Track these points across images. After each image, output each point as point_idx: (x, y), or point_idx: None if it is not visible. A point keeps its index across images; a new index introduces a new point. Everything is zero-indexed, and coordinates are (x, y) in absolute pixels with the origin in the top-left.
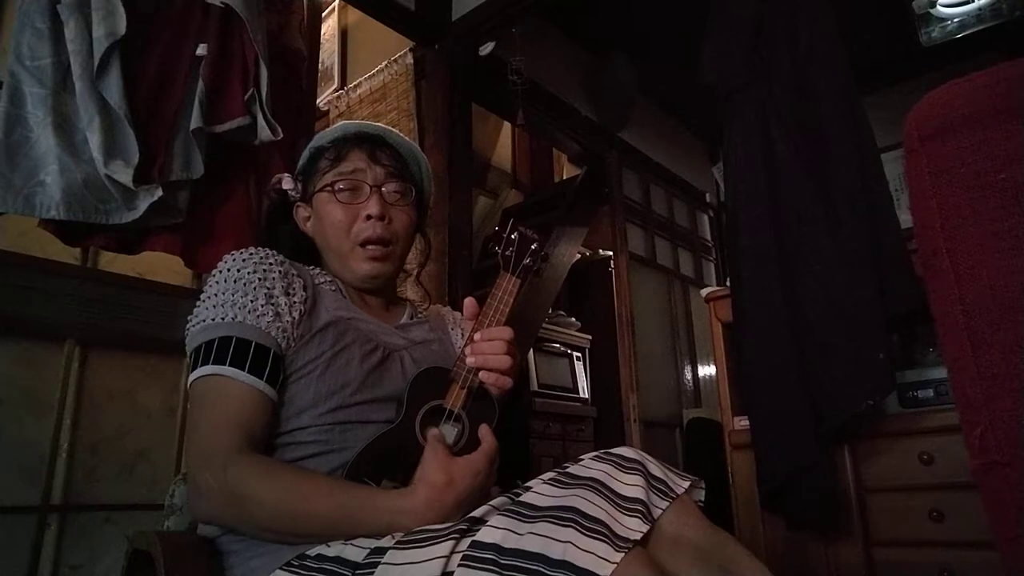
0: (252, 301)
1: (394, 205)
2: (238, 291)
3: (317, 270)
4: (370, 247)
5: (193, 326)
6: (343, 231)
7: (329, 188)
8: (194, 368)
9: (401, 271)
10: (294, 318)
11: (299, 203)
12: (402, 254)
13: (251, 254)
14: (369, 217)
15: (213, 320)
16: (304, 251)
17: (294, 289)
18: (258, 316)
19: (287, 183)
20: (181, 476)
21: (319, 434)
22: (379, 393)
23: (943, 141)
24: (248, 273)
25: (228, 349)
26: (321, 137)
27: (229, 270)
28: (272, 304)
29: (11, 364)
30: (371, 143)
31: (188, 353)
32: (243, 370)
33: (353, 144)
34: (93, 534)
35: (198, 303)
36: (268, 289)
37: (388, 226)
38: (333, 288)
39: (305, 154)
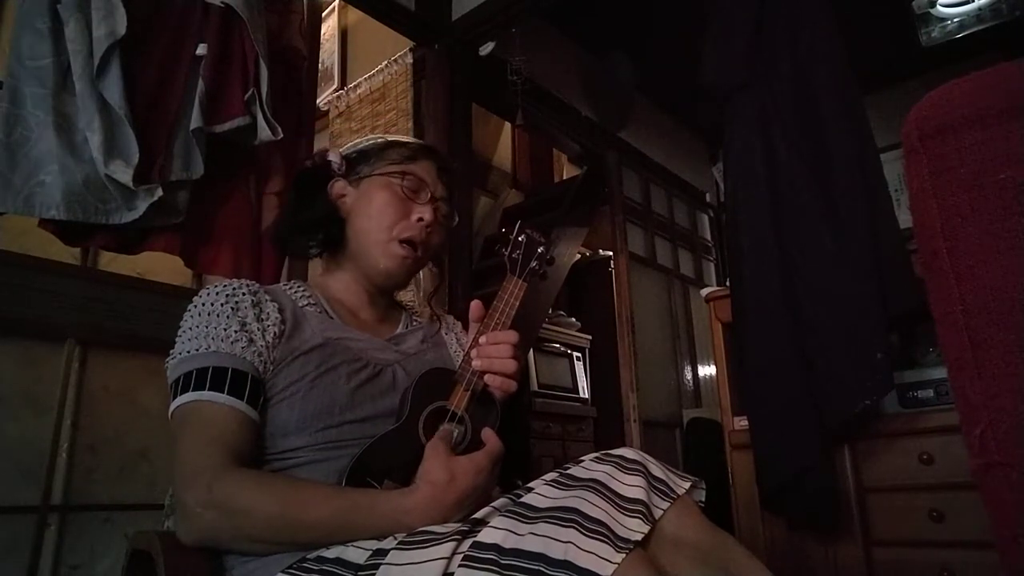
0: (225, 330)
1: (438, 221)
2: (211, 323)
3: (300, 291)
4: (406, 246)
5: (171, 359)
6: (391, 220)
7: (398, 176)
8: (174, 399)
9: (407, 285)
10: (268, 341)
11: (340, 177)
12: (421, 267)
13: (223, 287)
14: (420, 219)
15: (189, 352)
16: (322, 223)
17: (266, 314)
18: (232, 343)
19: (333, 156)
20: None
21: (311, 453)
22: (370, 411)
23: (943, 141)
24: (220, 305)
25: (206, 377)
26: (394, 137)
27: (203, 304)
28: (246, 331)
29: (11, 364)
30: (440, 160)
31: (168, 387)
32: (222, 392)
33: (427, 154)
34: (93, 534)
35: (176, 338)
36: (241, 318)
37: (428, 236)
38: (319, 310)
39: (374, 139)
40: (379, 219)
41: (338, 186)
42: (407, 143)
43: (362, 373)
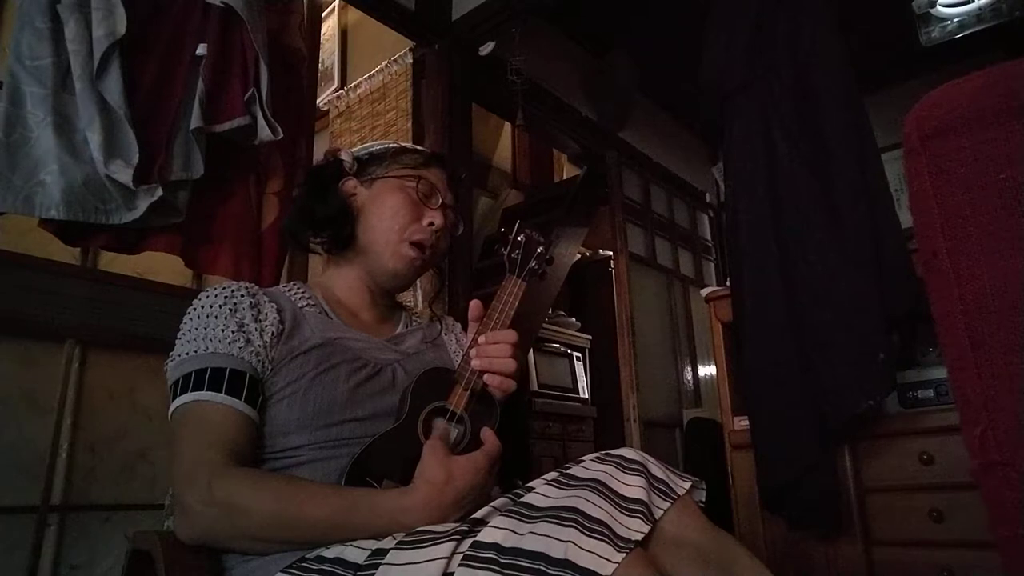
0: (223, 331)
1: (446, 228)
2: (209, 324)
3: (299, 292)
4: (415, 248)
5: (170, 362)
6: (403, 223)
7: (412, 179)
8: (173, 400)
9: (409, 287)
10: (266, 341)
11: (351, 176)
12: (426, 270)
13: (221, 290)
14: (431, 224)
15: (188, 355)
16: (332, 219)
17: (264, 315)
18: (230, 343)
19: (345, 155)
20: None
21: (311, 452)
22: (370, 409)
23: (943, 141)
24: (218, 307)
25: (204, 378)
26: (407, 144)
27: (201, 306)
28: (243, 332)
29: (11, 364)
30: (450, 170)
31: (168, 388)
32: (220, 392)
33: (438, 163)
34: (93, 534)
35: (176, 340)
36: (239, 319)
37: (437, 241)
38: (318, 310)
39: (386, 144)
40: (392, 220)
41: (349, 184)
42: (421, 150)
43: (361, 372)
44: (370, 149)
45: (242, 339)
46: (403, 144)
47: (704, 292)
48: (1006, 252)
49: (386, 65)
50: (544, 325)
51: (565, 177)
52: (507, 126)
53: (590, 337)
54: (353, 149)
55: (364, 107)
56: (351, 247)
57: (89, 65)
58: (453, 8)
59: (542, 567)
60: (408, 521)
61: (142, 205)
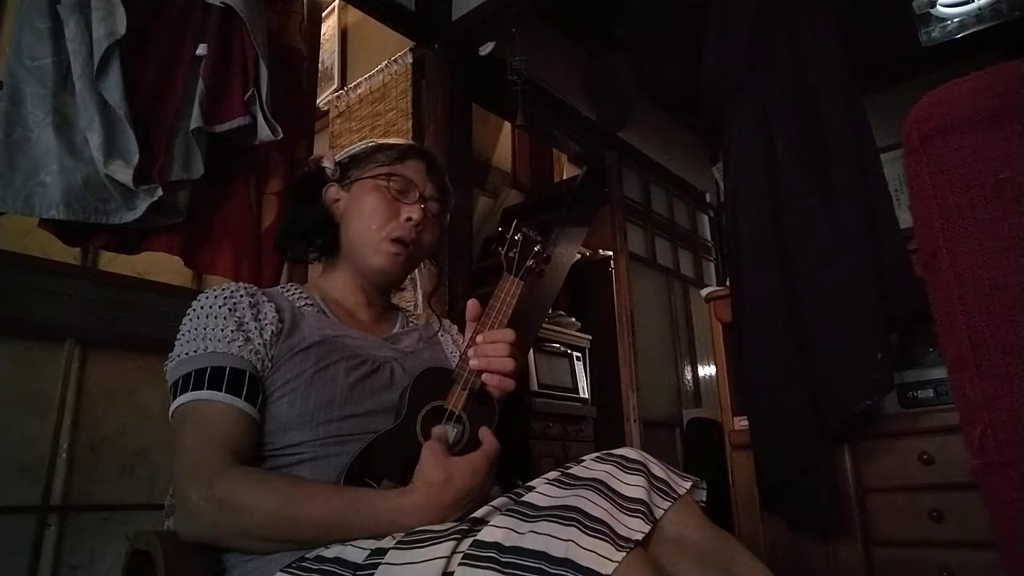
0: (222, 330)
1: (429, 220)
2: (208, 324)
3: (297, 293)
4: (397, 244)
5: (170, 362)
6: (380, 222)
7: (384, 178)
8: (173, 400)
9: (402, 283)
10: (266, 339)
11: (333, 183)
12: (415, 264)
13: (221, 290)
14: (409, 219)
15: (188, 354)
16: (319, 228)
17: (264, 314)
18: (229, 342)
19: (327, 162)
20: None
21: (313, 449)
22: (369, 406)
23: (943, 141)
24: (218, 307)
25: (204, 377)
26: (383, 141)
27: (201, 307)
28: (243, 331)
29: (11, 364)
30: (429, 160)
31: (168, 389)
32: (220, 391)
33: (415, 155)
34: (93, 534)
35: (176, 341)
36: (238, 318)
37: (419, 235)
38: (316, 310)
39: (363, 145)
40: (369, 220)
41: (332, 191)
42: (395, 144)
43: (360, 369)
44: (351, 152)
45: (241, 338)
46: (380, 141)
47: (704, 292)
48: (1006, 252)
49: (386, 65)
50: (544, 325)
51: (565, 177)
52: (507, 126)
53: (590, 337)
54: (337, 155)
55: (364, 107)
56: (339, 252)
57: (89, 65)
58: (453, 8)
59: (543, 566)
60: (407, 522)
61: (142, 205)
